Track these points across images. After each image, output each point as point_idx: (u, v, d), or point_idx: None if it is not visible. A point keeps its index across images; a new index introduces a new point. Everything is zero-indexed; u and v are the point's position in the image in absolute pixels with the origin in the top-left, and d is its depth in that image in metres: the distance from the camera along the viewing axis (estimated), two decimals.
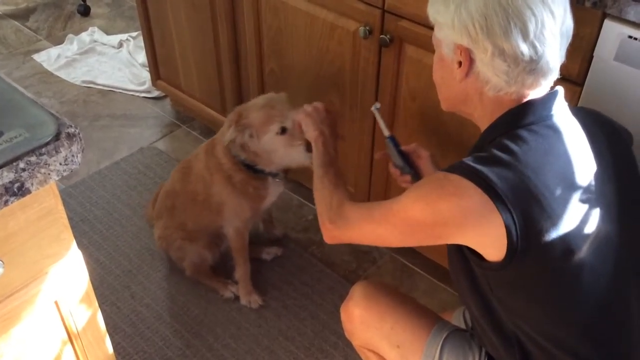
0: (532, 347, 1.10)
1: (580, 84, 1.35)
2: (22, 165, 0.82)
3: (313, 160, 1.44)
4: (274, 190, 1.86)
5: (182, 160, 2.07)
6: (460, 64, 1.07)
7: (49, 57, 3.19)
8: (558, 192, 0.99)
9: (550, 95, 1.06)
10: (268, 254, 2.12)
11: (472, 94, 1.10)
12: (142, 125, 2.76)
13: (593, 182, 1.04)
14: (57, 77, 3.07)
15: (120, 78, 3.04)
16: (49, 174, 0.84)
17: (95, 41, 3.33)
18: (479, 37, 1.00)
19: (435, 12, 1.08)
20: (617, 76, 1.28)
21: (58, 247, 0.97)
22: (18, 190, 0.82)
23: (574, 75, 1.34)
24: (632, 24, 1.21)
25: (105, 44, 3.31)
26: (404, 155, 1.45)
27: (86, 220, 2.26)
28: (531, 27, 0.98)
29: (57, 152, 0.84)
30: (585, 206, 1.02)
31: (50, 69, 3.12)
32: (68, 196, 2.34)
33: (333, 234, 1.27)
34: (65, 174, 0.87)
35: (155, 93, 2.91)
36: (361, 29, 1.66)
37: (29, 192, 0.83)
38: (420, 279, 2.05)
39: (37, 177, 0.83)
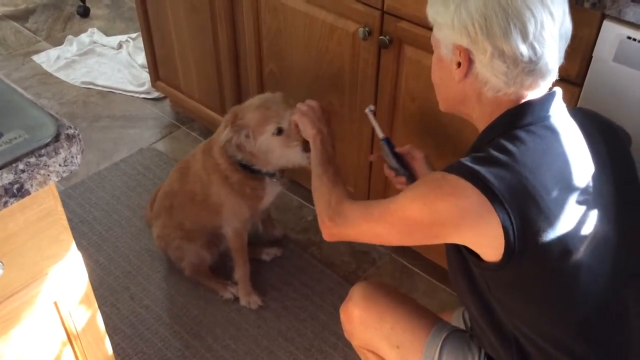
0: (530, 348, 1.10)
1: (580, 85, 1.35)
2: (21, 166, 0.82)
3: (311, 159, 1.44)
4: (272, 190, 1.86)
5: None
6: (459, 64, 1.07)
7: (49, 59, 3.19)
8: (555, 192, 0.99)
9: (549, 96, 1.06)
10: (267, 255, 2.12)
11: (470, 95, 1.10)
12: (142, 127, 2.76)
13: (591, 183, 1.04)
14: (57, 78, 3.07)
15: (119, 79, 3.04)
16: (48, 175, 0.84)
17: (94, 42, 3.33)
18: (478, 38, 1.01)
19: (434, 13, 1.08)
20: (616, 77, 1.28)
21: (57, 248, 0.97)
22: (17, 191, 0.82)
23: (573, 76, 1.35)
24: (631, 25, 1.21)
25: (104, 45, 3.31)
26: (399, 157, 1.45)
27: (85, 222, 2.26)
28: (530, 28, 0.98)
29: (56, 153, 0.84)
30: (583, 207, 1.02)
31: (49, 70, 3.12)
32: (67, 197, 2.34)
33: (332, 231, 1.27)
34: (64, 175, 0.87)
35: (155, 94, 2.91)
36: (360, 30, 1.66)
37: (29, 193, 0.83)
38: (419, 280, 2.05)
39: (36, 178, 0.83)
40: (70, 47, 3.27)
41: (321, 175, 1.37)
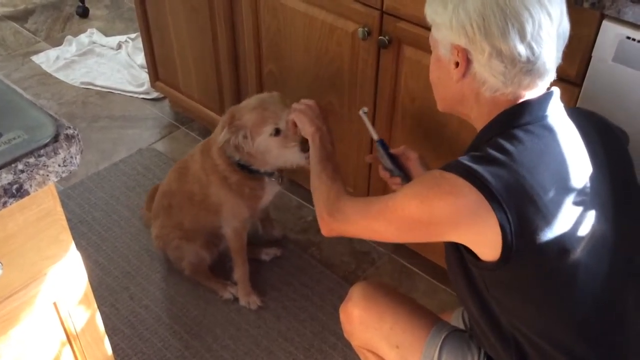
0: (529, 348, 1.10)
1: (579, 85, 1.35)
2: (20, 166, 0.82)
3: (310, 156, 1.44)
4: (271, 190, 1.86)
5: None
6: (457, 64, 1.07)
7: (48, 59, 3.19)
8: (553, 192, 0.99)
9: (546, 96, 1.07)
10: (267, 255, 2.12)
11: (468, 95, 1.10)
12: (141, 127, 2.76)
13: (588, 182, 1.04)
14: (56, 78, 3.07)
15: (119, 79, 3.04)
16: (47, 175, 0.84)
17: (94, 43, 3.33)
18: (476, 38, 1.01)
19: (433, 13, 1.09)
20: (616, 77, 1.28)
21: (57, 249, 0.97)
22: (17, 191, 0.82)
23: (573, 76, 1.35)
24: (630, 25, 1.21)
25: (104, 46, 3.31)
26: (394, 158, 1.46)
27: (85, 222, 2.26)
28: (528, 28, 0.99)
29: (55, 153, 0.84)
30: (580, 206, 1.02)
31: (49, 70, 3.12)
32: (67, 198, 2.34)
33: (331, 227, 1.28)
34: (64, 175, 0.87)
35: (154, 94, 2.91)
36: (360, 30, 1.66)
37: (28, 193, 0.83)
38: (419, 280, 2.05)
39: (35, 178, 0.83)
40: (70, 48, 3.27)
41: (320, 172, 1.38)
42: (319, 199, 1.32)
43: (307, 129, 1.49)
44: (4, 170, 0.81)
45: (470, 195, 0.97)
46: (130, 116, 2.82)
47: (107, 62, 3.19)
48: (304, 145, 1.60)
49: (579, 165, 1.04)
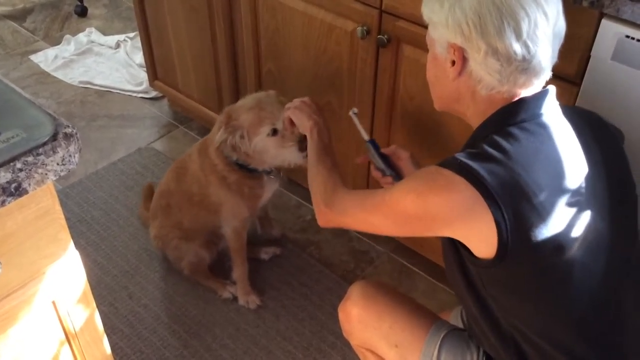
0: (528, 348, 1.10)
1: (578, 84, 1.35)
2: (19, 165, 0.82)
3: (308, 150, 1.45)
4: (270, 188, 1.86)
5: None
6: (453, 62, 1.08)
7: (46, 58, 3.18)
8: (548, 189, 1.00)
9: (542, 94, 1.07)
10: (266, 254, 2.12)
11: (464, 93, 1.11)
12: (140, 126, 2.76)
13: (584, 181, 1.05)
14: (55, 77, 3.07)
15: (117, 78, 3.04)
16: (46, 174, 0.84)
17: (92, 42, 3.32)
18: (472, 36, 1.02)
19: (429, 11, 1.10)
20: (615, 76, 1.28)
21: (55, 248, 0.97)
22: (15, 190, 0.81)
23: (571, 75, 1.35)
24: (629, 24, 1.22)
25: (102, 45, 3.31)
26: (385, 158, 1.47)
27: (83, 221, 2.25)
28: (524, 27, 0.99)
29: (54, 152, 0.84)
30: (576, 204, 1.02)
31: (47, 69, 3.11)
32: (65, 197, 2.34)
33: (327, 217, 1.28)
34: (62, 174, 0.87)
35: (153, 93, 2.91)
36: (359, 29, 1.66)
37: (26, 192, 0.83)
38: (418, 279, 2.05)
39: (34, 177, 0.83)
40: (68, 47, 3.26)
41: (318, 164, 1.38)
42: (317, 190, 1.33)
43: (304, 124, 1.49)
44: (3, 169, 0.81)
45: (466, 192, 0.98)
46: (129, 115, 2.82)
47: (106, 61, 3.18)
48: (301, 145, 1.60)
49: (575, 163, 1.05)
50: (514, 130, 1.03)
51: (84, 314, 1.09)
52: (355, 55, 1.75)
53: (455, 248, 1.10)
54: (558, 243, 1.00)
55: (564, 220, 1.00)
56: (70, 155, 0.86)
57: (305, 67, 1.93)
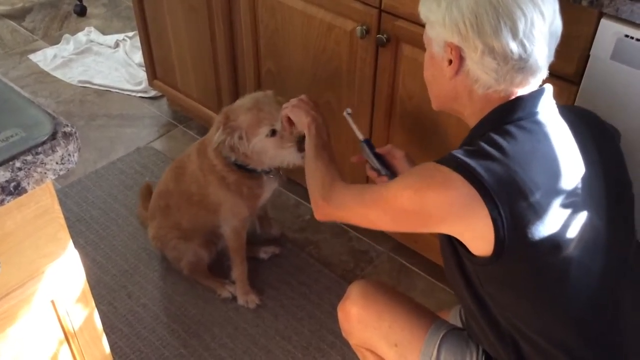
0: (526, 346, 1.10)
1: (577, 83, 1.35)
2: (18, 164, 0.81)
3: (306, 145, 1.45)
4: (269, 187, 1.86)
5: None
6: (450, 62, 1.09)
7: (45, 57, 3.18)
8: (545, 187, 1.00)
9: (538, 92, 1.08)
10: (265, 253, 2.12)
11: (461, 92, 1.12)
12: (139, 125, 2.75)
13: (580, 179, 1.05)
14: (54, 77, 3.06)
15: (116, 78, 3.04)
16: (45, 173, 0.84)
17: (91, 41, 3.32)
18: (469, 35, 1.02)
19: (427, 11, 1.10)
20: (614, 75, 1.28)
21: (55, 247, 0.97)
22: (14, 189, 0.81)
23: (571, 75, 1.35)
24: (628, 23, 1.22)
25: (101, 44, 3.30)
26: (380, 158, 1.47)
27: (83, 220, 2.25)
28: (521, 26, 1.00)
29: (53, 151, 0.84)
30: (572, 202, 1.03)
31: (46, 69, 3.11)
32: (64, 196, 2.34)
33: (325, 211, 1.29)
34: (61, 173, 0.87)
35: (152, 93, 2.91)
36: (358, 28, 1.66)
37: (25, 191, 0.83)
38: (417, 279, 2.05)
39: (33, 176, 0.83)
40: (67, 46, 3.26)
41: (315, 158, 1.39)
42: (314, 184, 1.33)
43: (302, 120, 1.49)
44: (2, 168, 0.81)
45: (463, 188, 0.98)
46: (128, 115, 2.82)
47: (105, 60, 3.18)
48: (300, 145, 1.60)
49: (571, 162, 1.05)
50: (511, 128, 1.04)
51: (83, 314, 1.09)
52: (355, 54, 1.75)
53: (453, 245, 1.10)
54: (555, 241, 1.00)
55: (561, 219, 1.01)
56: (69, 155, 0.86)
57: (304, 67, 1.93)
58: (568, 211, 1.02)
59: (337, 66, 1.82)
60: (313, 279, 2.05)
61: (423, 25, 1.16)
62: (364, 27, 1.65)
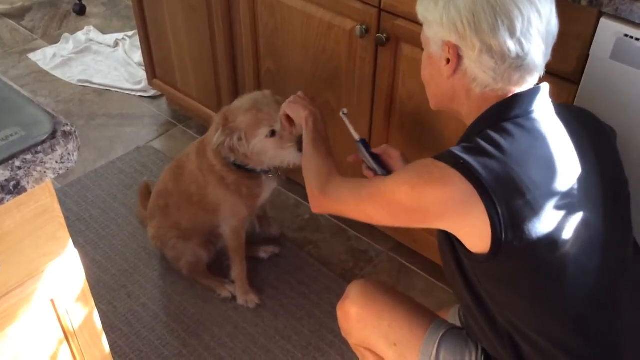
0: (524, 344, 1.10)
1: (576, 83, 1.35)
2: (17, 163, 0.81)
3: (304, 138, 1.46)
4: (268, 187, 1.86)
5: None
6: (448, 61, 1.09)
7: (45, 56, 3.18)
8: (542, 185, 1.01)
9: (535, 90, 1.08)
10: (265, 253, 2.12)
11: (459, 91, 1.12)
12: (138, 125, 2.75)
13: (577, 177, 1.05)
14: (53, 76, 3.06)
15: (116, 77, 3.04)
16: (44, 172, 0.84)
17: (91, 40, 3.32)
18: (467, 34, 1.03)
19: (424, 10, 1.11)
20: (613, 75, 1.28)
21: (54, 246, 0.97)
22: (14, 188, 0.81)
23: (570, 74, 1.35)
24: (628, 23, 1.22)
25: (101, 43, 3.30)
26: (376, 157, 1.47)
27: (82, 219, 2.25)
28: (518, 25, 1.01)
29: (53, 150, 0.84)
30: (569, 201, 1.03)
31: (45, 68, 3.11)
32: (64, 195, 2.34)
33: (321, 203, 1.29)
34: (61, 172, 0.86)
35: (152, 92, 2.91)
36: (358, 28, 1.66)
37: (25, 190, 0.83)
38: (417, 278, 2.05)
39: (33, 175, 0.83)
40: (67, 45, 3.26)
41: (312, 150, 1.39)
42: (311, 177, 1.33)
43: (300, 114, 1.49)
44: (1, 167, 0.80)
45: (460, 185, 0.99)
46: (128, 114, 2.82)
47: (105, 59, 3.18)
48: (300, 145, 1.60)
49: (567, 161, 1.06)
50: (508, 126, 1.04)
51: (82, 313, 1.09)
52: (354, 54, 1.75)
53: (451, 243, 1.11)
54: (552, 239, 1.00)
55: (558, 217, 1.01)
56: (69, 154, 0.86)
57: (304, 66, 1.93)
58: (565, 209, 1.02)
59: (336, 66, 1.82)
60: (312, 279, 2.05)
61: (422, 25, 1.16)
62: (364, 27, 1.65)
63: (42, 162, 0.83)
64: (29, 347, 1.03)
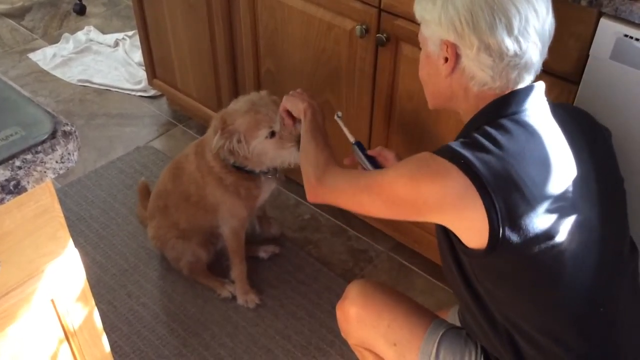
0: (522, 342, 1.10)
1: (576, 83, 1.35)
2: (18, 163, 0.81)
3: (301, 129, 1.46)
4: (267, 188, 1.86)
5: None
6: (446, 59, 1.10)
7: (45, 56, 3.18)
8: (539, 181, 1.01)
9: (531, 87, 1.09)
10: (265, 252, 2.12)
11: (457, 90, 1.13)
12: (138, 124, 2.75)
13: (573, 175, 1.06)
14: (53, 76, 3.06)
15: (116, 77, 3.04)
16: (45, 172, 0.84)
17: (91, 40, 3.32)
18: (465, 33, 1.04)
19: (422, 10, 1.12)
20: (613, 75, 1.28)
21: (54, 246, 0.97)
22: (14, 188, 0.81)
23: (570, 74, 1.35)
24: (628, 23, 1.22)
25: (101, 43, 3.30)
26: (371, 159, 1.48)
27: (82, 219, 2.25)
28: (515, 23, 1.02)
29: (53, 150, 0.84)
30: (566, 197, 1.03)
31: (46, 68, 3.11)
32: (64, 195, 2.34)
33: (317, 192, 1.29)
34: (61, 172, 0.87)
35: (152, 92, 2.91)
36: (358, 28, 1.66)
37: (25, 190, 0.83)
38: (417, 278, 2.06)
39: (33, 175, 0.83)
40: (67, 45, 3.26)
41: (310, 140, 1.40)
42: (308, 165, 1.34)
43: (299, 107, 1.50)
44: (1, 167, 0.81)
45: (458, 179, 0.99)
46: (128, 114, 2.82)
47: (105, 59, 3.18)
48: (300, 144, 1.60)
49: (563, 158, 1.06)
50: (506, 122, 1.05)
51: (83, 313, 1.09)
52: (354, 54, 1.75)
53: (449, 241, 1.11)
54: (549, 235, 1.01)
55: (554, 213, 1.01)
56: (69, 154, 0.86)
57: (304, 66, 1.93)
58: (561, 205, 1.02)
59: (336, 66, 1.82)
60: (312, 278, 2.05)
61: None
62: (364, 27, 1.65)
63: (42, 162, 0.83)
64: (29, 347, 1.03)
